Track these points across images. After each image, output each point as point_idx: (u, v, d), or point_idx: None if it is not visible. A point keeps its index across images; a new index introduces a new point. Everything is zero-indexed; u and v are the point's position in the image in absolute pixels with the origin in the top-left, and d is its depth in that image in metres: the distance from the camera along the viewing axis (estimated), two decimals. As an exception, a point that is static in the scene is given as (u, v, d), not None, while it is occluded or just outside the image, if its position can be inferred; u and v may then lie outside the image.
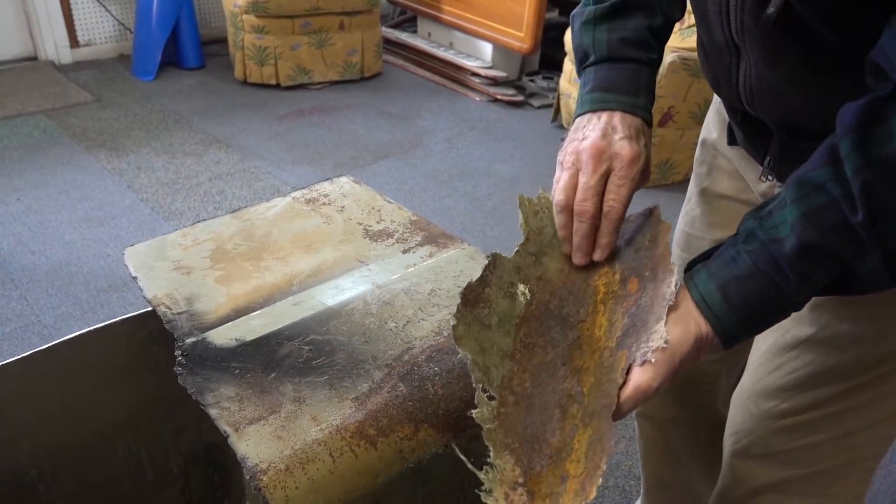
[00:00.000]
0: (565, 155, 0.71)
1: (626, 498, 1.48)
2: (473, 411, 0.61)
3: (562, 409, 0.62)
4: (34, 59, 3.66)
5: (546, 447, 0.60)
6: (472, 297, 0.68)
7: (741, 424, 0.84)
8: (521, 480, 0.59)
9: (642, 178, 0.70)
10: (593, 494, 0.54)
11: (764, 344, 0.81)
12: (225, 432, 0.65)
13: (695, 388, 1.04)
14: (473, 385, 0.63)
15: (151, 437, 1.00)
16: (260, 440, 0.64)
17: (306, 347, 0.75)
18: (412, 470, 0.66)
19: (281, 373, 0.71)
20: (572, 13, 0.79)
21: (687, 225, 0.96)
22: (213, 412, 0.66)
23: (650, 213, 0.72)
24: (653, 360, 0.57)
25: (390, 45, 3.96)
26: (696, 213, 0.94)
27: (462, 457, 0.63)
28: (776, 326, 0.78)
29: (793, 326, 0.76)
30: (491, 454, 0.60)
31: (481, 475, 0.59)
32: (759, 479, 0.84)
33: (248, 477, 0.61)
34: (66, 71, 3.57)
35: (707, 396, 1.04)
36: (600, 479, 0.55)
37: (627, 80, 0.72)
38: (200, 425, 1.04)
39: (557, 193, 0.70)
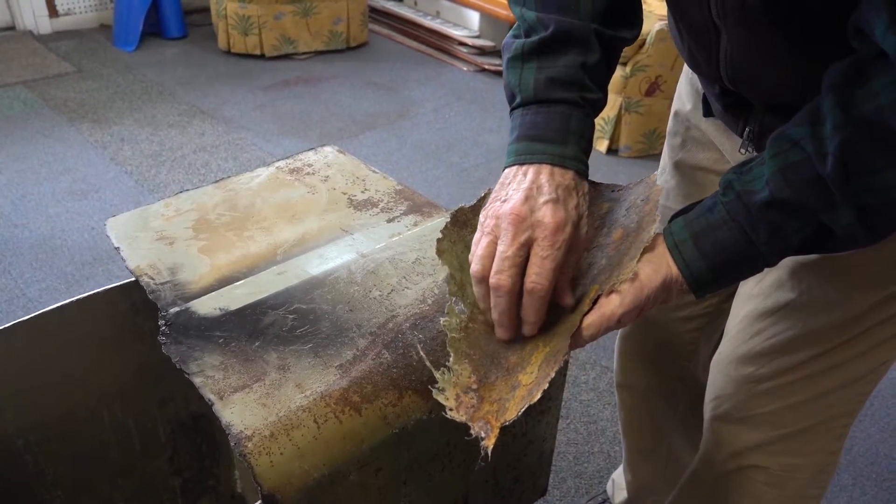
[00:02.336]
0: (486, 218, 0.64)
1: (610, 462, 1.50)
2: (442, 319, 0.64)
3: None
4: (12, 28, 3.59)
5: (504, 362, 0.63)
6: (462, 219, 0.72)
7: (721, 389, 0.86)
8: (474, 387, 0.61)
9: (575, 244, 0.63)
10: (538, 397, 0.56)
11: (743, 310, 0.82)
12: (209, 400, 0.65)
13: (674, 357, 1.06)
14: (447, 296, 0.65)
15: (138, 407, 1.01)
16: (244, 408, 0.64)
17: (290, 316, 0.75)
18: (397, 436, 0.67)
19: (265, 341, 0.72)
20: (503, 42, 0.71)
21: (662, 198, 0.96)
22: (197, 381, 0.67)
23: (647, 179, 0.73)
24: (619, 290, 0.58)
25: (376, 14, 3.91)
26: (671, 186, 0.94)
27: (422, 353, 0.65)
28: (756, 293, 0.80)
29: (773, 292, 0.77)
30: (451, 359, 0.62)
31: (437, 374, 0.61)
32: (740, 441, 0.85)
33: (232, 443, 0.61)
34: (45, 41, 3.50)
35: (686, 365, 1.06)
36: (547, 385, 0.56)
37: (555, 128, 0.65)
38: (187, 395, 1.04)
39: (474, 262, 0.63)
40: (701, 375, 1.04)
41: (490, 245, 0.62)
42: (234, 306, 0.76)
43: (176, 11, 3.54)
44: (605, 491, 1.39)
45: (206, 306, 0.76)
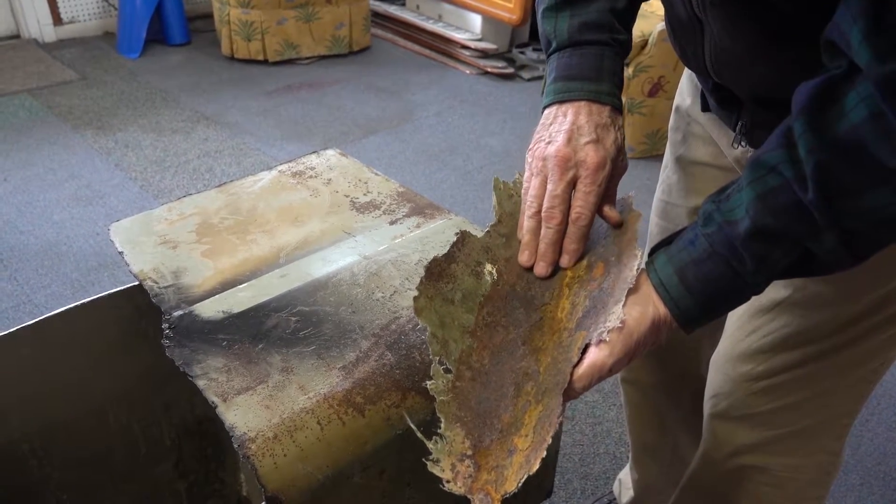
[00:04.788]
0: (533, 159, 0.70)
1: (616, 464, 1.50)
2: (428, 382, 0.62)
3: (517, 387, 0.63)
4: (17, 37, 3.61)
5: (497, 422, 0.61)
6: (437, 271, 0.69)
7: (720, 387, 0.85)
8: (469, 453, 0.59)
9: (615, 174, 0.69)
10: (536, 467, 0.54)
11: (740, 308, 0.82)
12: (213, 402, 0.65)
13: (677, 354, 1.05)
14: (430, 357, 0.63)
15: (143, 411, 1.01)
16: (248, 410, 0.64)
17: (293, 318, 0.75)
18: (400, 437, 0.67)
19: (268, 344, 0.72)
20: None
21: (664, 193, 0.96)
22: (200, 383, 0.67)
23: (623, 201, 0.72)
24: (608, 339, 0.57)
25: (378, 19, 3.92)
26: (673, 181, 0.94)
27: (412, 425, 0.64)
28: None
29: (769, 289, 0.77)
30: (442, 425, 0.60)
31: (430, 445, 0.59)
32: (738, 440, 0.85)
33: (236, 445, 0.61)
34: (49, 49, 3.52)
35: (689, 362, 1.06)
36: (545, 452, 0.55)
37: (589, 66, 0.70)
38: (192, 398, 1.05)
39: (529, 200, 0.69)
40: (704, 372, 1.04)
41: (542, 185, 0.68)
42: (237, 309, 0.77)
43: (179, 18, 3.55)
44: (611, 492, 1.39)
45: (209, 309, 0.77)
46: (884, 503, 1.45)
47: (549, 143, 0.68)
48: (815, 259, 0.55)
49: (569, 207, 0.67)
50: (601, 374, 0.58)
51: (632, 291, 0.60)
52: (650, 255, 0.62)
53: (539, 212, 0.68)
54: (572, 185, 0.67)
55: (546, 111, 0.71)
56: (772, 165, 0.53)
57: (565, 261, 0.69)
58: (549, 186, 0.67)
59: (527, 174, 0.71)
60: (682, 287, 0.58)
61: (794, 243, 0.54)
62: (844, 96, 0.48)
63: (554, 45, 0.73)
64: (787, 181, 0.52)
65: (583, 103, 0.69)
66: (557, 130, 0.68)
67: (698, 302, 0.58)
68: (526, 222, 0.70)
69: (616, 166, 0.69)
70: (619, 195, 0.73)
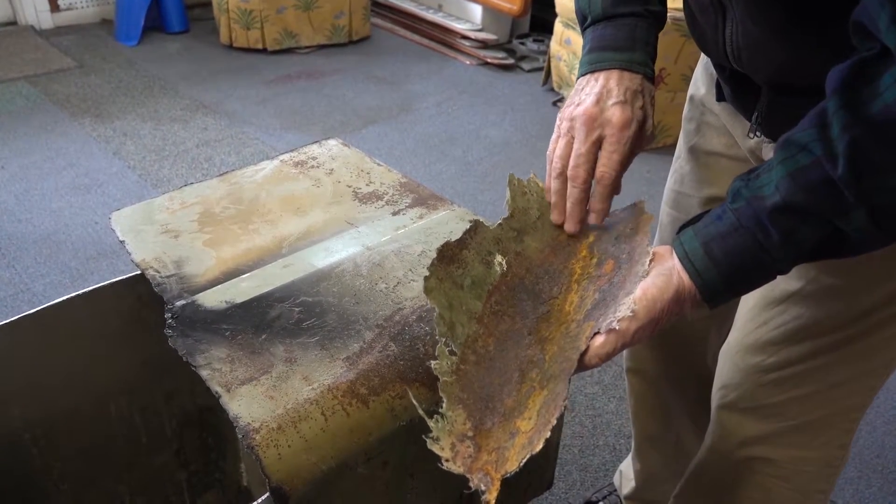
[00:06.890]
0: (561, 121, 0.72)
1: (615, 456, 1.50)
2: (432, 362, 0.62)
3: (521, 373, 0.63)
4: (14, 23, 3.58)
5: (500, 406, 0.61)
6: (449, 254, 0.69)
7: (729, 378, 0.85)
8: (470, 434, 0.59)
9: (639, 141, 0.71)
10: (540, 447, 0.54)
11: (751, 299, 0.81)
12: (217, 393, 0.65)
13: (684, 344, 1.05)
14: (437, 338, 0.64)
15: (144, 401, 1.01)
16: (252, 400, 0.64)
17: (297, 309, 0.75)
18: (404, 428, 0.67)
19: (272, 334, 0.71)
20: None
21: (676, 183, 0.96)
22: (204, 373, 0.67)
23: (635, 206, 0.74)
24: (617, 328, 0.58)
25: (378, 8, 3.90)
26: (686, 171, 0.94)
27: (414, 401, 0.64)
28: None
29: (780, 281, 0.77)
30: (444, 405, 0.60)
31: (431, 423, 0.59)
32: (746, 431, 0.85)
33: (240, 436, 0.61)
34: (47, 36, 3.49)
35: (696, 352, 1.05)
36: (549, 433, 0.54)
37: (622, 37, 0.72)
38: (193, 388, 1.04)
39: (554, 160, 0.71)
40: (710, 364, 1.04)
41: (567, 145, 0.71)
42: (240, 299, 0.76)
43: (177, 6, 3.53)
44: (611, 483, 1.39)
45: (212, 299, 0.76)
46: (882, 496, 1.46)
47: (578, 104, 0.71)
48: (846, 239, 0.55)
49: (593, 167, 0.69)
50: (624, 341, 0.59)
51: (656, 263, 0.61)
52: (678, 232, 0.62)
53: (563, 172, 0.71)
54: (598, 145, 0.69)
55: (579, 81, 0.73)
56: (803, 144, 0.53)
57: (593, 218, 0.71)
58: (575, 146, 0.70)
59: (554, 135, 0.73)
60: (708, 259, 0.58)
61: (822, 220, 0.54)
62: (879, 77, 0.49)
63: (589, 19, 0.75)
64: (818, 159, 0.52)
65: (615, 71, 0.71)
66: (588, 93, 0.71)
67: (722, 275, 0.58)
68: (552, 183, 0.72)
69: (642, 132, 0.71)
70: (626, 196, 0.73)
